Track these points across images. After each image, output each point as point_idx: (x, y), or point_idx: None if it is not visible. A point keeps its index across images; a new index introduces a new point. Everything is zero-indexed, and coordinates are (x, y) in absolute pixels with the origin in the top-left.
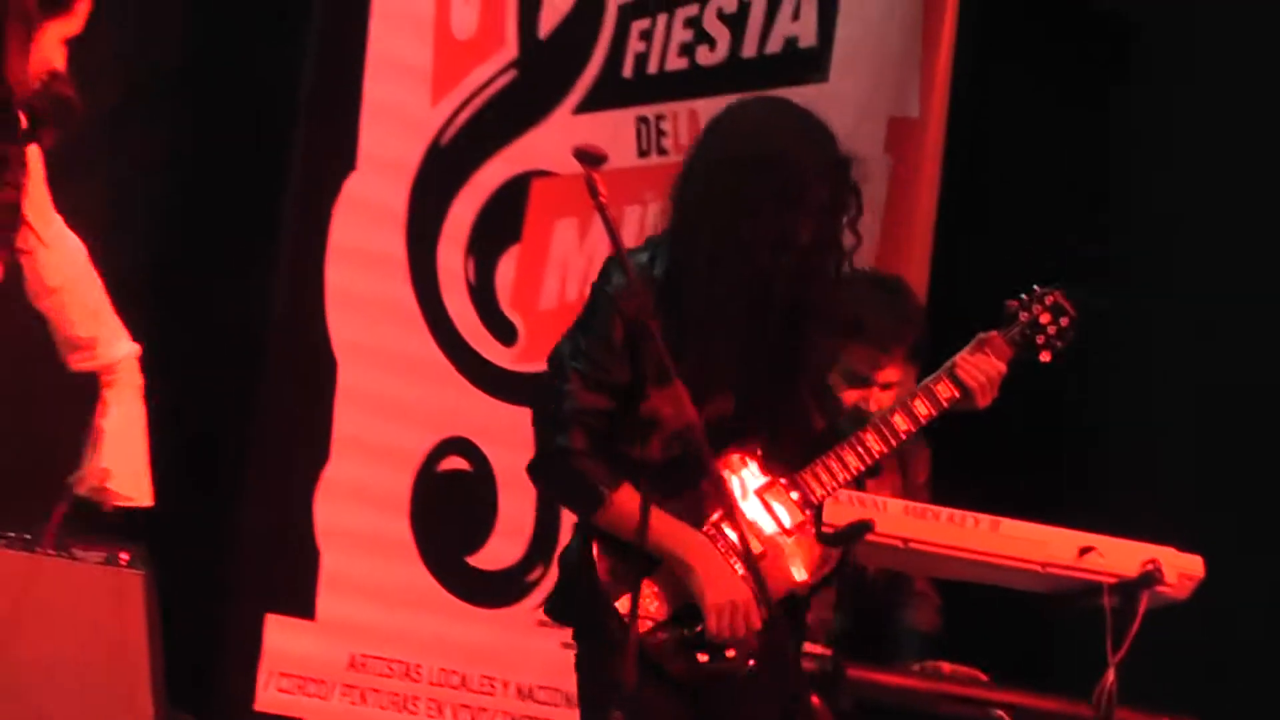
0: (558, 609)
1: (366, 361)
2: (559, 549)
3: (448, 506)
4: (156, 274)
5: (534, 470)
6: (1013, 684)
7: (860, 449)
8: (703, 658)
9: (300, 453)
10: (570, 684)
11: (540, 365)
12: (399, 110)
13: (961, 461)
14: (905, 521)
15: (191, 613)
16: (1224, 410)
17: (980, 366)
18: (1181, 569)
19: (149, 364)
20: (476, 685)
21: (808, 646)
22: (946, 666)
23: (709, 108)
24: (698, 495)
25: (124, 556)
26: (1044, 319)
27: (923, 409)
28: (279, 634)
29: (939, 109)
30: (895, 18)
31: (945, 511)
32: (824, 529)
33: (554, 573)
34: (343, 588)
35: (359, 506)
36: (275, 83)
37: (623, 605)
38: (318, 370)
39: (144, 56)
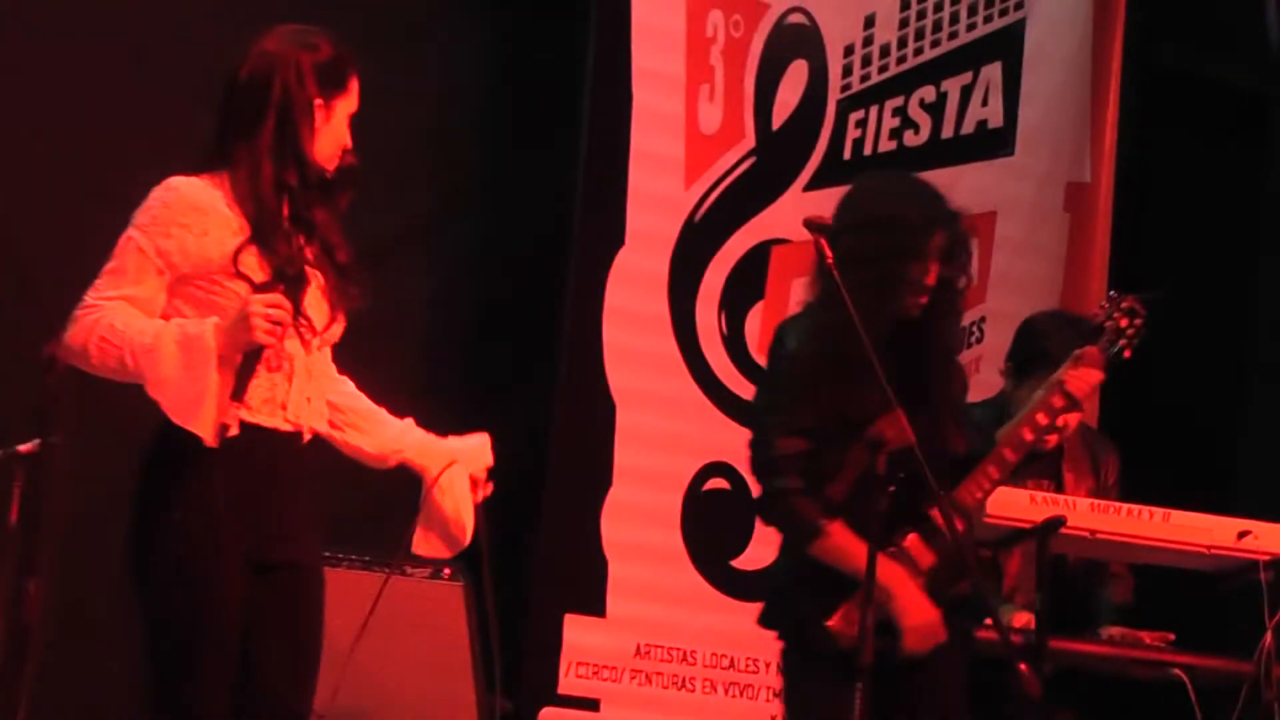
0: (771, 619)
1: (640, 403)
2: None
3: (712, 519)
4: (467, 337)
5: (759, 508)
6: (1188, 647)
7: (1000, 460)
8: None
9: (588, 481)
10: None
11: None
12: (658, 195)
13: (1141, 461)
14: (1092, 516)
15: (504, 617)
16: None
17: (1084, 378)
18: None
19: (460, 413)
20: (743, 666)
21: (1016, 621)
22: (1146, 635)
23: None
24: (884, 520)
25: (447, 571)
26: (1123, 323)
27: (1043, 419)
28: (576, 630)
29: (1108, 173)
30: (1068, 99)
31: (1125, 506)
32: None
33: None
34: (628, 590)
35: (639, 523)
36: (557, 179)
37: (833, 622)
38: (600, 413)
39: (451, 169)
